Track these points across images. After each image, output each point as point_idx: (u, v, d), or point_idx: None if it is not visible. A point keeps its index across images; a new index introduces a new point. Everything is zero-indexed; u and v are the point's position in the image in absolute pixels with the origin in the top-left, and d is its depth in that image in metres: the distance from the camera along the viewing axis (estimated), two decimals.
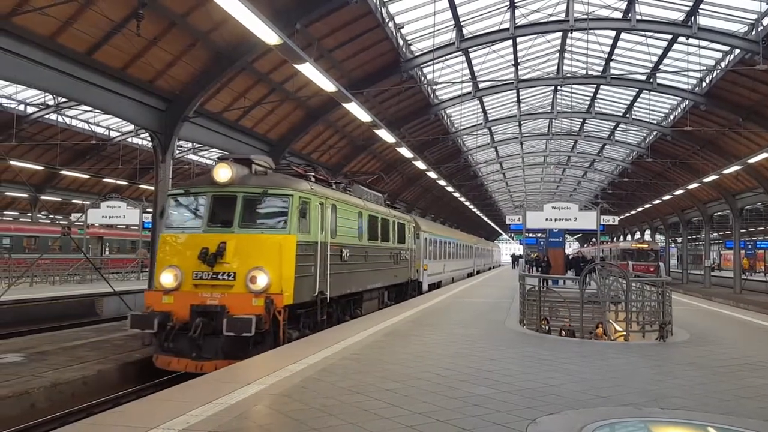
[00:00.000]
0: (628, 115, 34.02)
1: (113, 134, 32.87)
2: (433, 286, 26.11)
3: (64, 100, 25.75)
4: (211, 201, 10.60)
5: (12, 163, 29.02)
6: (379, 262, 16.17)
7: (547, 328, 13.15)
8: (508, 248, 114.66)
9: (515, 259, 58.18)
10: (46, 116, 28.51)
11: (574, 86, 31.01)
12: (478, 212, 56.45)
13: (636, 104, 32.35)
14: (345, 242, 13.10)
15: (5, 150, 27.85)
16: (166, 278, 10.10)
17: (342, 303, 13.65)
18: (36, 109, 27.93)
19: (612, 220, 40.64)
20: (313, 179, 12.72)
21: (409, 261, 20.13)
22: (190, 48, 16.31)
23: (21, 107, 27.66)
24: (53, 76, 13.82)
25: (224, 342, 9.42)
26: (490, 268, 59.09)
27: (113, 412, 5.79)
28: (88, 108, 26.27)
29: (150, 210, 25.18)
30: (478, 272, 46.83)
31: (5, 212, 45.23)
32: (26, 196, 38.87)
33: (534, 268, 30.42)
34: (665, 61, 25.29)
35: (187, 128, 17.79)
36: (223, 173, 10.48)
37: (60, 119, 28.97)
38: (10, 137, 26.87)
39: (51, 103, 27.15)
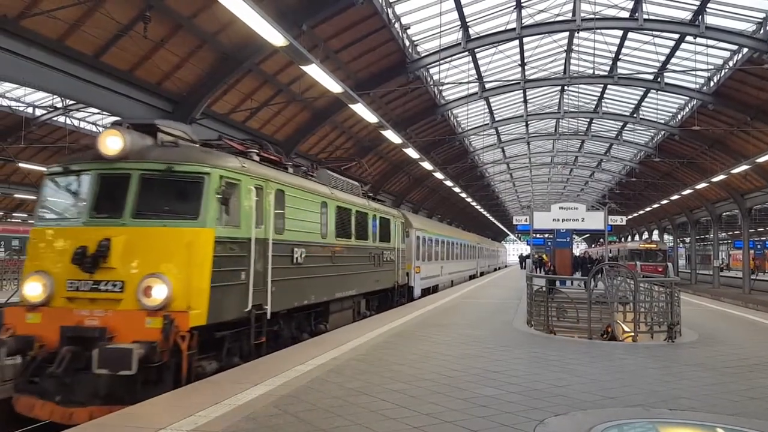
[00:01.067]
0: (635, 115, 33.90)
1: None
2: (428, 291, 23.95)
3: (72, 102, 25.88)
4: (95, 181, 7.84)
5: (21, 165, 29.19)
6: (353, 265, 13.49)
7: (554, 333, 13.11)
8: (515, 249, 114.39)
9: (523, 259, 56.91)
10: (54, 118, 28.66)
11: (581, 86, 30.94)
12: (485, 213, 56.36)
13: (643, 104, 32.22)
14: (299, 240, 10.42)
15: (14, 152, 28.04)
16: (32, 289, 7.45)
17: (297, 318, 11.05)
18: (44, 112, 28.11)
19: (620, 220, 40.55)
20: (256, 158, 9.96)
21: (395, 263, 17.50)
22: (196, 50, 16.38)
23: (29, 110, 27.83)
24: (61, 79, 13.91)
25: (102, 381, 6.83)
26: (495, 270, 57.57)
27: (121, 413, 5.80)
28: (96, 110, 26.44)
29: None
30: (482, 274, 45.00)
31: (14, 214, 45.52)
32: (35, 198, 39.08)
33: (540, 269, 30.34)
34: (673, 60, 25.19)
35: (195, 130, 17.75)
36: (112, 143, 7.70)
37: (68, 121, 29.12)
38: (19, 140, 27.06)
39: (59, 105, 27.30)
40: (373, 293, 15.80)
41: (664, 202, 44.24)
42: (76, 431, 5.21)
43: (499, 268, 63.16)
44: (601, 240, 61.34)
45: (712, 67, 24.68)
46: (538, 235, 35.15)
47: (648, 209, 51.67)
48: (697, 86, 27.06)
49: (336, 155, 28.90)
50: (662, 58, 25.26)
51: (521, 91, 30.78)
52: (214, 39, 16.21)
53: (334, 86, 13.52)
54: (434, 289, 25.42)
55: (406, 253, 19.53)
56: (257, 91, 20.02)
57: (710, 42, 22.07)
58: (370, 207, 15.43)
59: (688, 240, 55.95)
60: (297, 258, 10.31)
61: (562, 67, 28.51)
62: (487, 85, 28.77)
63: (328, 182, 12.96)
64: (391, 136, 19.21)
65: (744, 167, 25.65)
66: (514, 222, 35.57)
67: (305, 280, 10.78)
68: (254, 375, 7.28)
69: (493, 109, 33.33)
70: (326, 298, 12.00)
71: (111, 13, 13.31)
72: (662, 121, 33.80)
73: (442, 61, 23.17)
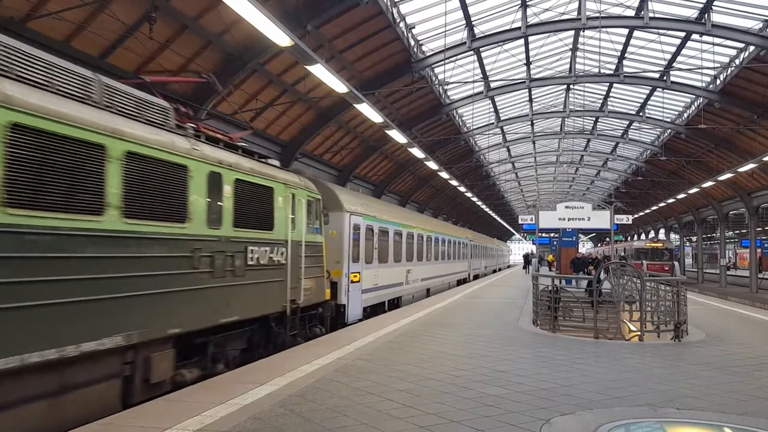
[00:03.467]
0: (641, 114, 33.80)
1: None
2: (382, 308, 17.22)
3: None
4: None
5: None
6: (123, 279, 6.34)
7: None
8: (521, 248, 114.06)
9: (528, 259, 52.01)
10: None
11: (586, 85, 30.85)
12: (490, 212, 56.29)
13: (649, 102, 32.14)
14: None
15: None
16: None
17: None
18: None
19: (626, 219, 40.42)
20: None
21: (287, 269, 10.04)
22: (202, 50, 16.42)
23: None
24: None
25: None
26: (494, 271, 53.61)
27: (128, 413, 5.82)
28: None
29: None
30: (477, 277, 39.13)
31: None
32: None
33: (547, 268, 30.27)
34: (679, 58, 25.11)
35: None
36: None
37: None
38: None
39: None
40: (222, 330, 8.37)
41: (671, 200, 44.09)
42: (88, 429, 5.23)
43: (500, 269, 59.58)
44: (607, 239, 61.23)
45: (719, 65, 24.58)
46: (543, 235, 35.07)
47: (654, 208, 51.53)
48: (704, 84, 26.97)
49: (341, 155, 28.91)
50: (668, 57, 25.17)
51: (526, 90, 30.72)
52: (220, 39, 16.24)
53: (339, 86, 13.52)
54: (395, 303, 18.94)
55: (331, 251, 13.00)
56: (262, 92, 20.04)
57: (716, 40, 21.98)
58: (201, 156, 7.88)
59: (694, 239, 55.74)
60: None
61: (568, 66, 28.46)
62: (492, 84, 28.72)
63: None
64: (397, 135, 19.20)
65: (751, 166, 25.53)
66: (520, 221, 35.50)
67: None
68: (260, 375, 7.29)
69: (498, 108, 33.29)
70: None
71: (116, 15, 13.35)
72: (668, 120, 33.69)
73: (447, 61, 23.15)
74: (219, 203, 8.19)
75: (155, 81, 9.36)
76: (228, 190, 8.41)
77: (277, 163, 10.85)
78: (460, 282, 32.48)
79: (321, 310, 12.10)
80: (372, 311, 16.24)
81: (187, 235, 7.44)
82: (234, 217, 8.51)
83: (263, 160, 10.17)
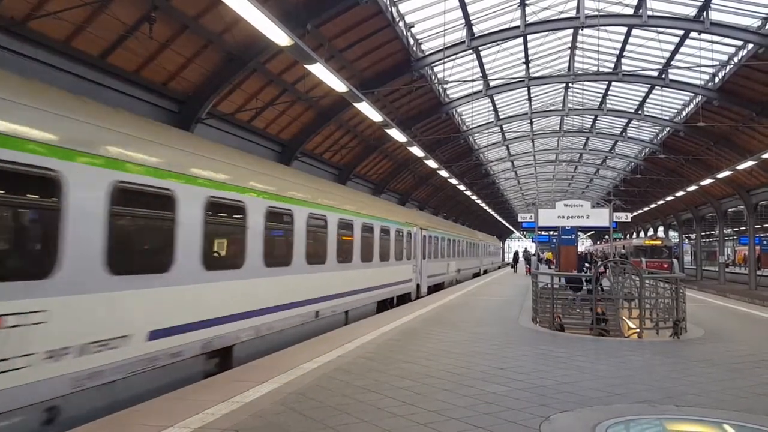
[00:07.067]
0: (640, 112, 33.82)
1: None
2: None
3: None
4: None
5: None
6: None
7: (560, 324, 13.10)
8: (521, 246, 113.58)
9: (517, 258, 47.53)
10: None
11: (585, 83, 30.85)
12: (490, 210, 56.30)
13: (648, 100, 32.16)
14: None
15: None
16: None
17: None
18: None
19: (625, 217, 40.45)
20: None
21: None
22: (202, 50, 16.43)
23: None
24: (68, 80, 13.96)
25: None
26: (476, 275, 41.38)
27: (129, 411, 5.85)
28: None
29: None
30: (439, 288, 25.94)
31: None
32: None
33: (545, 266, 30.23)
34: (677, 56, 25.11)
35: (201, 130, 17.92)
36: None
37: None
38: None
39: None
40: None
41: (669, 198, 44.08)
42: (86, 429, 5.26)
43: (485, 272, 46.80)
44: (606, 237, 61.26)
45: (717, 63, 24.60)
46: (543, 233, 35.06)
47: (653, 206, 51.55)
48: (702, 82, 26.97)
49: (341, 154, 28.94)
50: (667, 55, 25.17)
51: (525, 88, 30.72)
52: (220, 39, 16.26)
53: (338, 85, 13.53)
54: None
55: None
56: (262, 91, 20.05)
57: (715, 38, 22.02)
58: None
59: (693, 236, 55.77)
60: None
61: (567, 65, 28.47)
62: (492, 83, 28.73)
63: None
64: (396, 134, 19.21)
65: (749, 163, 25.53)
66: (519, 219, 35.47)
67: None
68: (261, 373, 7.33)
69: (497, 106, 33.30)
70: None
71: (116, 14, 13.37)
72: (667, 118, 33.72)
73: (446, 60, 23.15)
74: None
75: None
76: None
77: None
78: (392, 303, 18.30)
79: None
80: None
81: None
82: None
83: None
